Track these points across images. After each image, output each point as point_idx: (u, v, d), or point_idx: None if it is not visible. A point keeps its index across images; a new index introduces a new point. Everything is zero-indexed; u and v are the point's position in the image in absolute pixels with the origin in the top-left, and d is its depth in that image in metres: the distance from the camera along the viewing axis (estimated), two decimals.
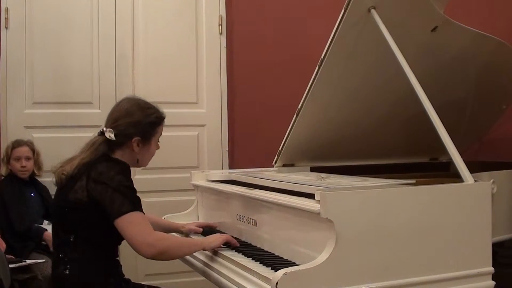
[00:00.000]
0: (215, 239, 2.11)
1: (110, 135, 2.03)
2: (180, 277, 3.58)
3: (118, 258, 2.08)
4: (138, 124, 2.06)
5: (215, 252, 2.12)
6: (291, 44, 3.93)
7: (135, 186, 1.97)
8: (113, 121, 2.07)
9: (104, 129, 2.05)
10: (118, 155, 2.06)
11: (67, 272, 1.93)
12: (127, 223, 1.87)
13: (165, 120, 2.19)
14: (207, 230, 2.48)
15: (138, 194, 1.97)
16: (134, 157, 2.09)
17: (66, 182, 1.98)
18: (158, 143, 2.17)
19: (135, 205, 1.91)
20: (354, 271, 1.71)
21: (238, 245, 2.13)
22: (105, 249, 1.99)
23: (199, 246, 2.09)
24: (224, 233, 2.32)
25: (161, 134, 2.17)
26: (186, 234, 2.47)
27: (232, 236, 2.20)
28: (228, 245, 2.14)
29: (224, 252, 2.07)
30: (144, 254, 1.88)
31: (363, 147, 2.86)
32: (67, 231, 1.96)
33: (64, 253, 1.95)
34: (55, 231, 2.04)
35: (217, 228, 2.51)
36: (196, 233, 2.46)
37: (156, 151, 2.19)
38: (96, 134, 2.08)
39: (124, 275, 2.08)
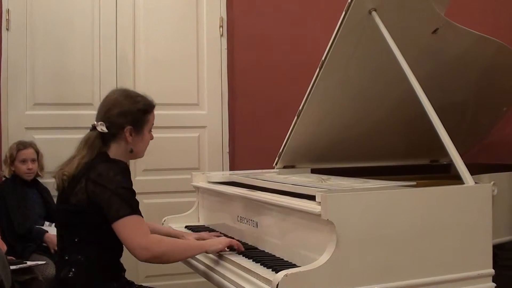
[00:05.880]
0: (217, 243, 2.08)
1: (102, 128, 2.02)
2: (181, 279, 3.58)
3: (121, 263, 2.06)
4: (128, 112, 2.04)
5: (216, 254, 2.10)
6: (292, 46, 3.93)
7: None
8: (103, 113, 2.05)
9: (96, 123, 2.04)
10: (114, 147, 2.04)
11: (70, 275, 1.92)
12: (123, 226, 1.86)
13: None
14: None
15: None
16: (128, 148, 2.06)
17: (68, 185, 1.96)
18: (151, 133, 2.14)
19: (133, 208, 1.88)
20: (355, 273, 1.71)
21: (243, 249, 2.09)
22: (109, 251, 1.97)
23: (200, 249, 2.07)
24: (228, 236, 2.30)
25: (153, 123, 2.14)
26: None
27: (233, 238, 2.19)
28: (231, 248, 2.10)
29: (225, 254, 2.07)
30: (139, 258, 1.86)
31: (364, 149, 2.87)
32: (71, 233, 1.95)
33: (69, 255, 1.94)
34: (59, 234, 2.03)
35: (226, 234, 2.41)
36: None
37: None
38: (89, 130, 2.06)
39: (126, 279, 2.07)
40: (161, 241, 1.94)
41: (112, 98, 2.09)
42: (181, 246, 2.03)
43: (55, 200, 3.31)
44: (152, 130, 2.15)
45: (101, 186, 1.88)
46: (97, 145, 2.02)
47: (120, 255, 2.04)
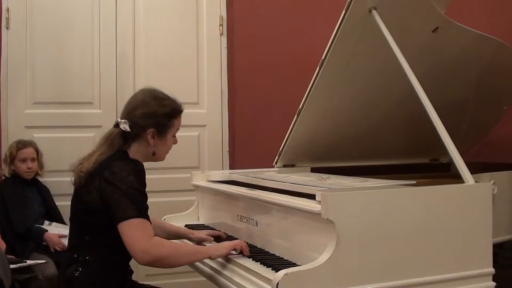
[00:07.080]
0: (222, 247, 2.02)
1: (125, 126, 1.98)
2: (181, 278, 3.58)
3: (130, 266, 2.04)
4: (153, 115, 2.00)
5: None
6: (292, 45, 3.93)
7: None
8: (128, 112, 2.02)
9: (119, 120, 2.00)
10: (134, 147, 2.01)
11: (76, 274, 1.90)
12: (128, 228, 1.82)
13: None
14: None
15: None
16: (150, 150, 2.03)
17: (84, 181, 1.93)
18: (175, 137, 2.10)
19: (141, 211, 1.84)
20: (355, 271, 1.71)
21: (248, 252, 2.03)
22: (119, 253, 1.92)
23: (204, 254, 2.01)
24: (235, 238, 2.25)
25: (178, 128, 2.10)
26: (198, 242, 2.35)
27: (234, 238, 2.18)
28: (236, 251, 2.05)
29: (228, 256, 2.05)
30: (140, 262, 1.82)
31: (363, 148, 2.86)
32: (82, 231, 1.94)
33: (78, 253, 1.93)
34: (71, 231, 2.01)
35: (226, 233, 2.41)
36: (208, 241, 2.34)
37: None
38: (112, 127, 2.03)
39: (133, 281, 2.06)
40: (163, 245, 1.88)
41: (139, 97, 2.05)
42: (183, 252, 1.96)
43: (55, 199, 3.37)
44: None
45: (112, 185, 1.85)
46: (117, 143, 1.99)
47: (130, 258, 1.99)
